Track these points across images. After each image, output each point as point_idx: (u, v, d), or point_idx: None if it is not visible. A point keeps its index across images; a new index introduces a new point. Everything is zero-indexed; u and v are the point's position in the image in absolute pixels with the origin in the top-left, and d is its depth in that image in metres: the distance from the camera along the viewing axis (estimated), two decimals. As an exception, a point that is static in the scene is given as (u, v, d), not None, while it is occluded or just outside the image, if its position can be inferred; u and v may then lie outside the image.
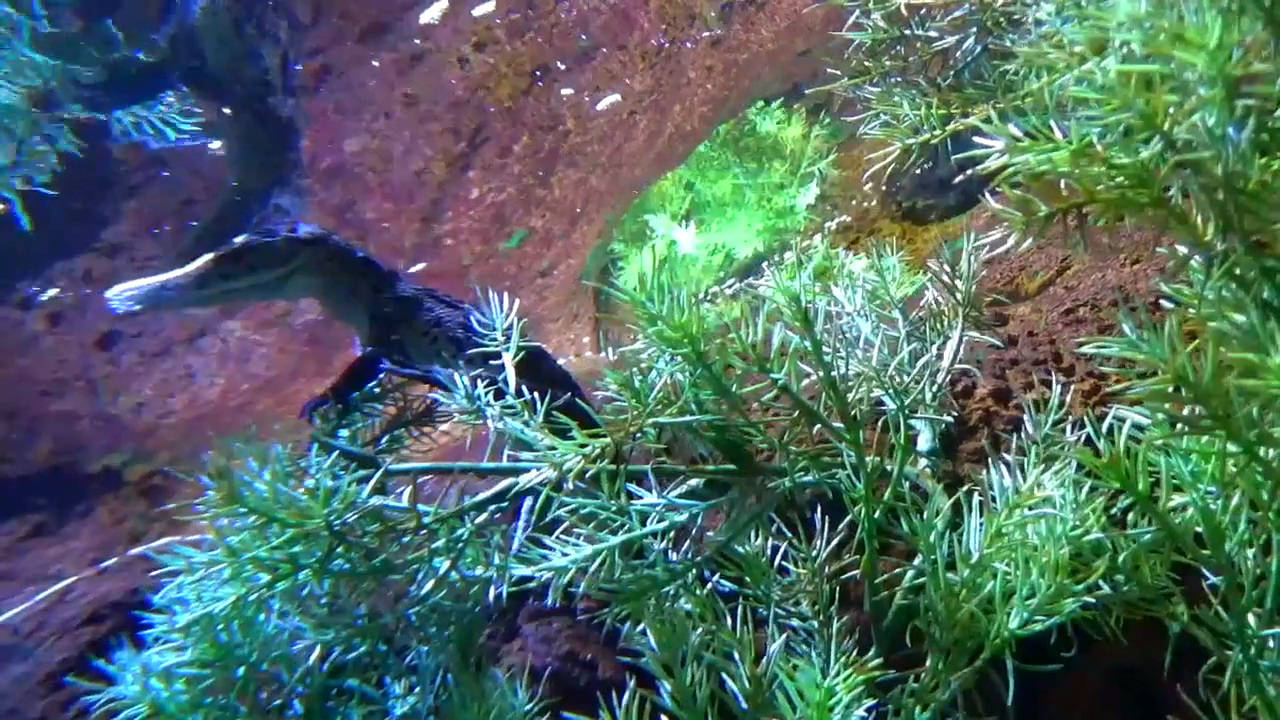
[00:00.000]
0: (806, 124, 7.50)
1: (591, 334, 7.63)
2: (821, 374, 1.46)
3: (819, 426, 1.51)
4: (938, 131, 1.76)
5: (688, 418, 1.50)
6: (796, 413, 1.50)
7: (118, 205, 4.40)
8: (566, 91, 5.30)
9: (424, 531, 1.60)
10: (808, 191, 7.46)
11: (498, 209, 5.46)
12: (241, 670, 1.59)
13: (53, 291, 4.42)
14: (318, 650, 1.61)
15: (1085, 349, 1.11)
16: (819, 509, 1.65)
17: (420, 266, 5.27)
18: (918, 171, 6.38)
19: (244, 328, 5.02)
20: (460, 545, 1.62)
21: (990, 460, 1.47)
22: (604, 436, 1.48)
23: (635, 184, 6.79)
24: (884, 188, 6.76)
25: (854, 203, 7.20)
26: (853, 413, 1.47)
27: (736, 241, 7.66)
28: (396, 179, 4.93)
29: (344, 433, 1.86)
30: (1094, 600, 1.35)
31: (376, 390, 1.95)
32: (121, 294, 1.83)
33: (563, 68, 5.22)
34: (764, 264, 7.50)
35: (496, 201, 5.41)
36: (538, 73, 5.13)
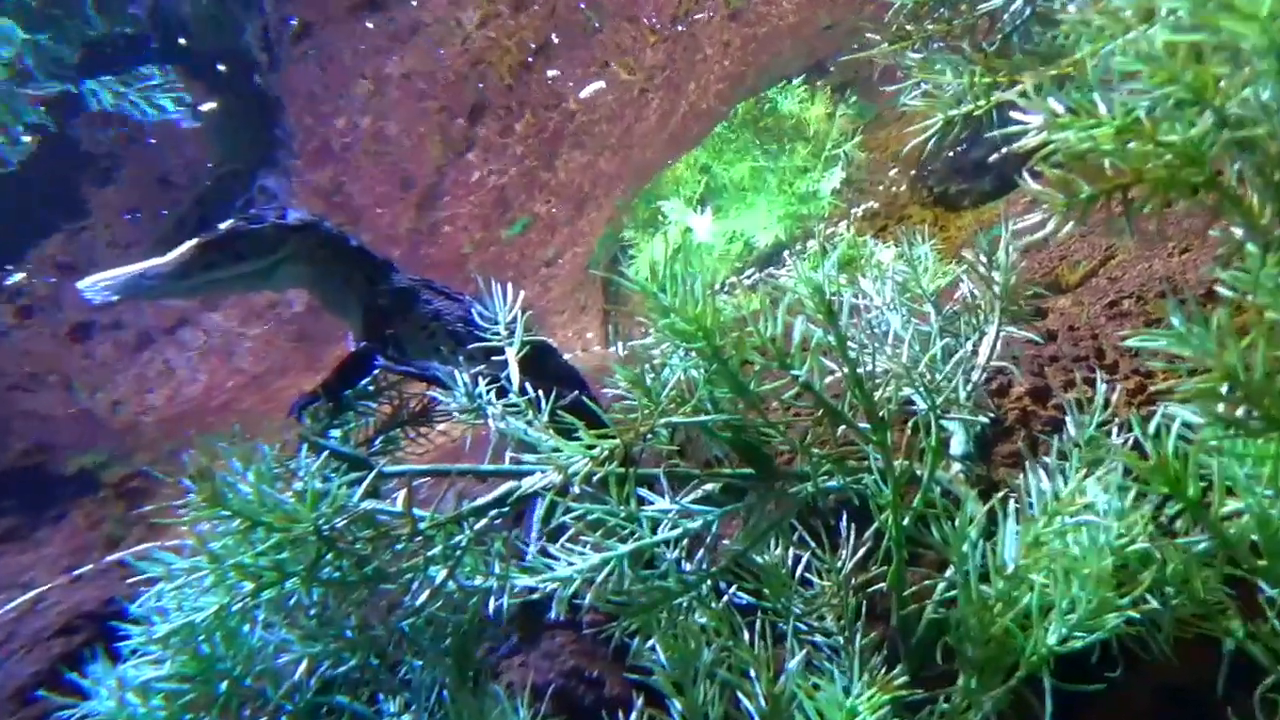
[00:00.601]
0: (831, 103, 7.48)
1: (599, 328, 7.64)
2: (847, 370, 1.46)
3: (844, 427, 1.50)
4: (982, 102, 1.73)
5: (702, 417, 1.50)
6: (819, 412, 1.50)
7: (92, 187, 4.43)
8: (558, 72, 5.29)
9: (419, 538, 1.61)
10: (832, 175, 7.44)
11: (499, 193, 5.47)
12: (224, 685, 1.61)
13: (18, 277, 4.44)
14: (305, 664, 1.62)
15: (1130, 343, 1.11)
16: (843, 516, 1.65)
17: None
18: (951, 154, 6.35)
19: (228, 320, 5.04)
20: (458, 553, 1.62)
21: (1027, 464, 1.46)
22: (613, 437, 1.48)
23: (647, 167, 6.79)
24: (914, 172, 6.74)
25: (881, 188, 7.19)
26: (880, 413, 1.47)
27: (756, 229, 7.66)
28: (390, 160, 4.94)
29: (336, 433, 1.87)
30: (1140, 615, 1.34)
31: (370, 388, 1.96)
32: (96, 284, 1.85)
33: (567, 42, 5.22)
34: (785, 253, 7.50)
35: (498, 185, 5.42)
36: (538, 47, 5.13)
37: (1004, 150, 1.25)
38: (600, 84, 5.45)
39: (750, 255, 7.78)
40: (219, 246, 1.92)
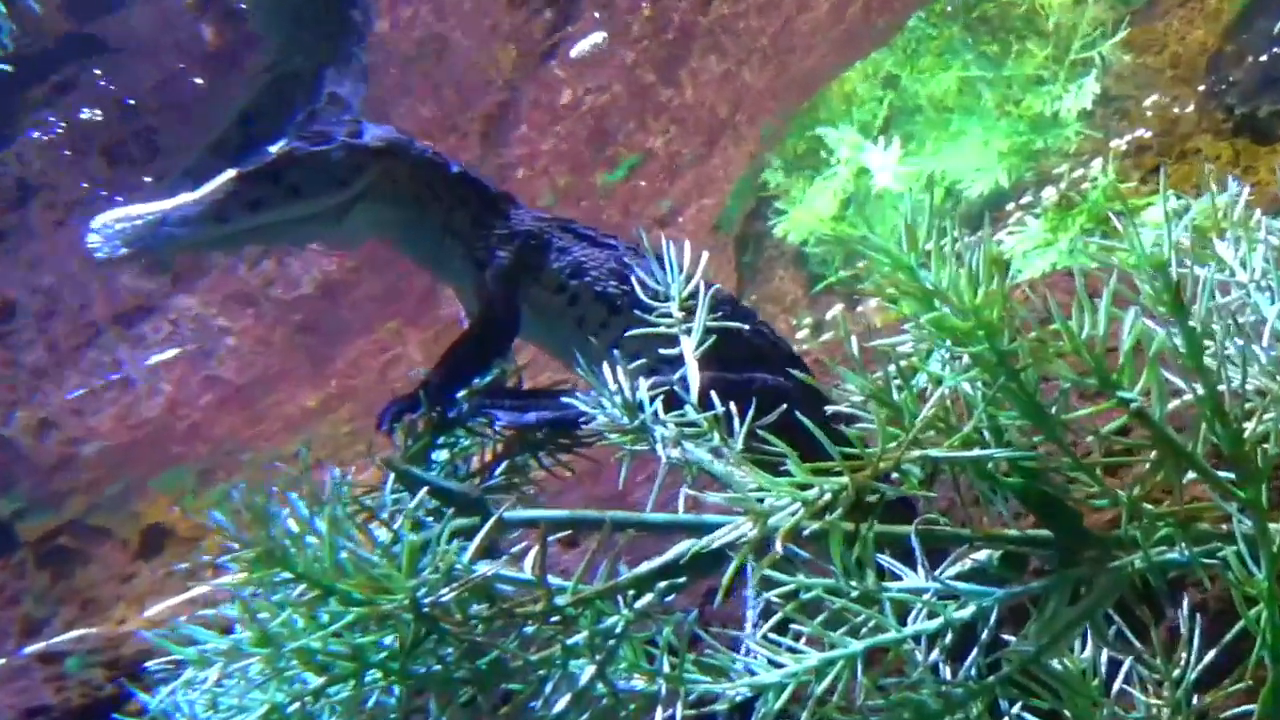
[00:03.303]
0: (1082, -19, 7.41)
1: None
2: (1202, 391, 1.46)
3: (1194, 475, 1.51)
4: None
5: (979, 452, 1.51)
6: (1156, 452, 1.50)
7: (49, 103, 4.54)
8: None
9: (556, 618, 1.65)
10: (1081, 90, 7.34)
11: (597, 119, 5.52)
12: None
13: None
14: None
15: None
16: (1186, 605, 1.65)
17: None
18: (1261, 58, 6.18)
19: (204, 305, 5.15)
20: (612, 642, 1.66)
21: None
22: (839, 474, 1.49)
23: (809, 79, 6.77)
24: (1203, 86, 6.62)
25: (1153, 111, 7.07)
26: (1252, 454, 1.47)
27: (965, 169, 7.59)
28: (449, 73, 5.02)
29: (440, 455, 1.92)
30: None
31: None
32: (106, 228, 1.94)
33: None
34: (1010, 205, 7.42)
35: (596, 107, 5.47)
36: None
37: None
38: (601, 34, 5.35)
39: (956, 209, 7.71)
40: (268, 178, 1.99)
